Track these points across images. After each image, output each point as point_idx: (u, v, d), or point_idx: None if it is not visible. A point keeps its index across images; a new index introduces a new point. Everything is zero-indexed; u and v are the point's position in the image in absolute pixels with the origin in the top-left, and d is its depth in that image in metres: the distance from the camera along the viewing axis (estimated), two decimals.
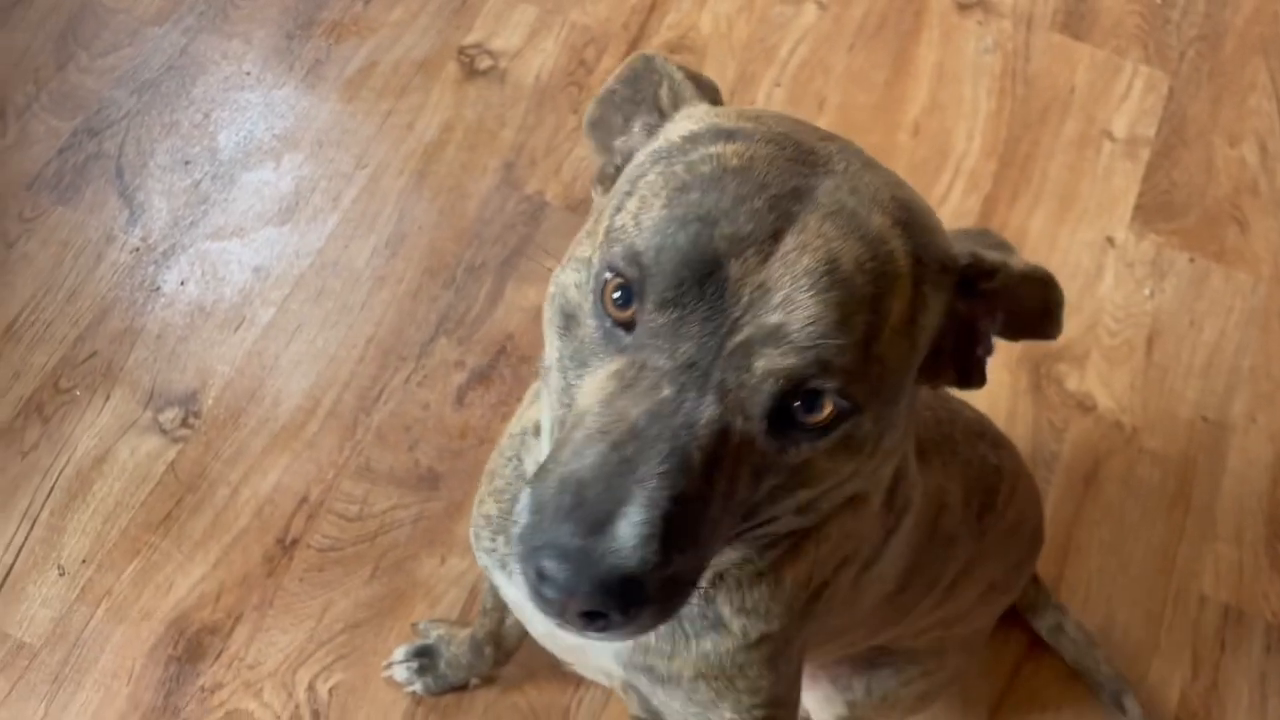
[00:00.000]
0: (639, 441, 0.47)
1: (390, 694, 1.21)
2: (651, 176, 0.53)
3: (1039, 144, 1.64)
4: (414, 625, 1.23)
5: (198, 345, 1.40)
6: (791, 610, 0.68)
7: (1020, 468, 0.98)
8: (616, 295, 0.51)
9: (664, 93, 0.61)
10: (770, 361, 0.48)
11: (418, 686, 1.20)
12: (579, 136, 1.60)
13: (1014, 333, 0.61)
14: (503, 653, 1.15)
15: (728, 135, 0.54)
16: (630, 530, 0.46)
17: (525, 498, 0.49)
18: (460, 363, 1.42)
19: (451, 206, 1.53)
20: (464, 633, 1.17)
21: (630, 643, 0.70)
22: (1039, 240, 1.56)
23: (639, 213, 0.52)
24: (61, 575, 1.25)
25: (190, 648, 1.22)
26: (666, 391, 0.48)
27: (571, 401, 0.53)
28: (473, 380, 1.41)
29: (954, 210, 1.57)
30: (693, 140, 0.54)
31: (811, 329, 0.48)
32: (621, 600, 0.46)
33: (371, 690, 1.21)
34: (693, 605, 0.66)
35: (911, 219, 0.53)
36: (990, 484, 0.90)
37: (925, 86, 1.68)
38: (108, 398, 1.35)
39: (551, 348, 0.56)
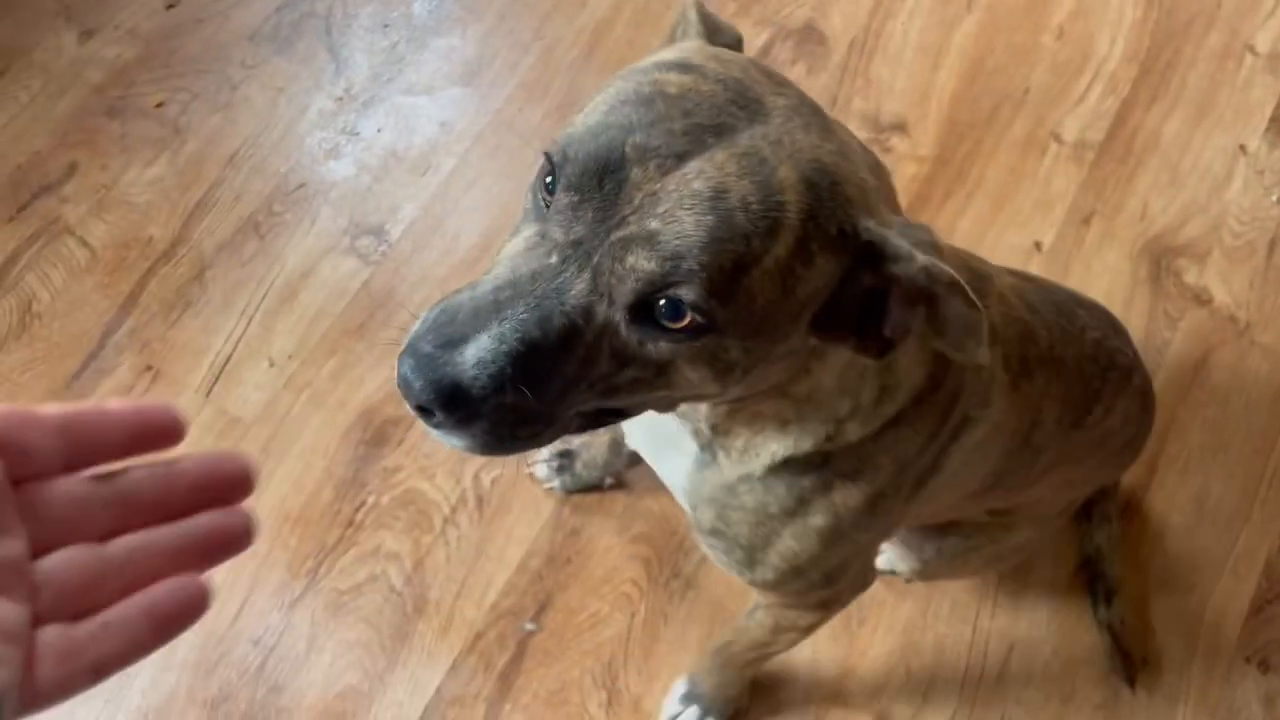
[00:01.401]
0: (514, 291, 0.54)
1: (543, 489, 1.39)
2: (611, 88, 0.58)
3: (1181, 53, 1.70)
4: None
5: (390, 185, 1.58)
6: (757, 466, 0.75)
7: (1125, 389, 0.99)
8: (548, 178, 0.57)
9: (678, 29, 0.67)
10: (638, 260, 0.53)
11: (555, 484, 1.36)
12: (737, 21, 1.71)
13: (943, 338, 0.61)
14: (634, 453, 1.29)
15: (683, 67, 0.58)
16: (473, 352, 0.53)
17: (425, 313, 0.58)
18: None
19: None
20: (604, 435, 1.32)
21: (690, 479, 0.81)
22: (1172, 143, 1.62)
23: (588, 115, 0.57)
24: (271, 366, 1.46)
25: (377, 435, 1.42)
26: (553, 259, 0.55)
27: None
28: None
29: (1091, 111, 1.65)
30: (656, 65, 0.59)
31: (678, 242, 0.53)
32: (446, 403, 0.54)
33: (527, 485, 1.39)
34: (700, 440, 0.76)
35: (823, 182, 0.56)
36: (1086, 405, 0.93)
37: None
38: (313, 223, 1.55)
39: None
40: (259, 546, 1.34)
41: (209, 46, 1.67)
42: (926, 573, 1.22)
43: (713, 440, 0.77)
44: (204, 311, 1.49)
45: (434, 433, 0.57)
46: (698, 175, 0.53)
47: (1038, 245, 1.55)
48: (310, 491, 1.38)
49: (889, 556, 1.31)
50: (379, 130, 1.62)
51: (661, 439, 0.83)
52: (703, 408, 0.73)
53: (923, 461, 0.79)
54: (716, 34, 0.66)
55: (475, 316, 0.54)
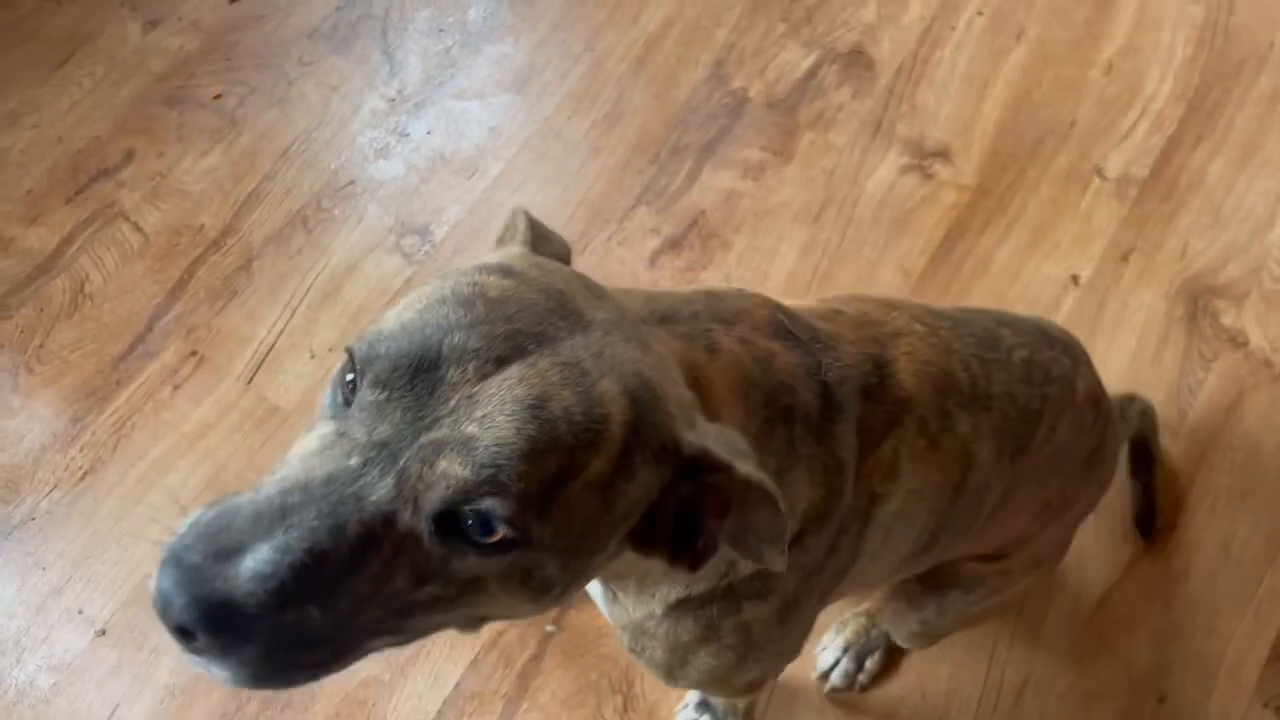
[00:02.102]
0: (305, 495, 0.48)
1: None
2: (427, 288, 0.56)
3: (1230, 94, 1.70)
4: None
5: (436, 186, 1.61)
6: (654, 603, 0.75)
7: (1072, 401, 0.93)
8: (349, 376, 0.53)
9: (506, 233, 0.66)
10: (451, 465, 0.49)
11: None
12: (786, 42, 1.74)
13: (740, 547, 0.60)
14: None
15: (505, 272, 0.56)
16: (251, 565, 0.46)
17: (191, 515, 0.51)
18: (656, 230, 1.59)
19: (664, 93, 1.70)
20: None
21: (604, 606, 0.80)
22: (1215, 184, 1.62)
23: (400, 312, 0.54)
24: (312, 358, 1.49)
25: None
26: (353, 461, 0.50)
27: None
28: (665, 246, 1.58)
29: (1136, 148, 1.65)
30: (477, 268, 0.56)
31: (496, 450, 0.49)
32: (213, 625, 0.46)
33: None
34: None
35: (646, 396, 0.54)
36: (1027, 428, 0.87)
37: (1124, 28, 1.75)
38: (360, 220, 1.58)
39: None
40: None
41: (269, 42, 1.71)
42: (925, 634, 1.19)
43: (606, 579, 0.75)
44: (250, 301, 1.52)
45: (193, 660, 0.49)
46: (519, 381, 0.50)
47: (1075, 279, 1.55)
48: None
49: (841, 670, 1.30)
50: (429, 132, 1.66)
51: None
52: None
53: (836, 560, 0.77)
54: (544, 242, 0.65)
55: (255, 523, 0.48)
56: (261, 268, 1.55)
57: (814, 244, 1.58)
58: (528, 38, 1.74)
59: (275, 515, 0.48)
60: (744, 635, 0.76)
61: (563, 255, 0.66)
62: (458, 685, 1.30)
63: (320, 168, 1.62)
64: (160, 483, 1.41)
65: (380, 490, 0.49)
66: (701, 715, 1.25)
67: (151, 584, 0.48)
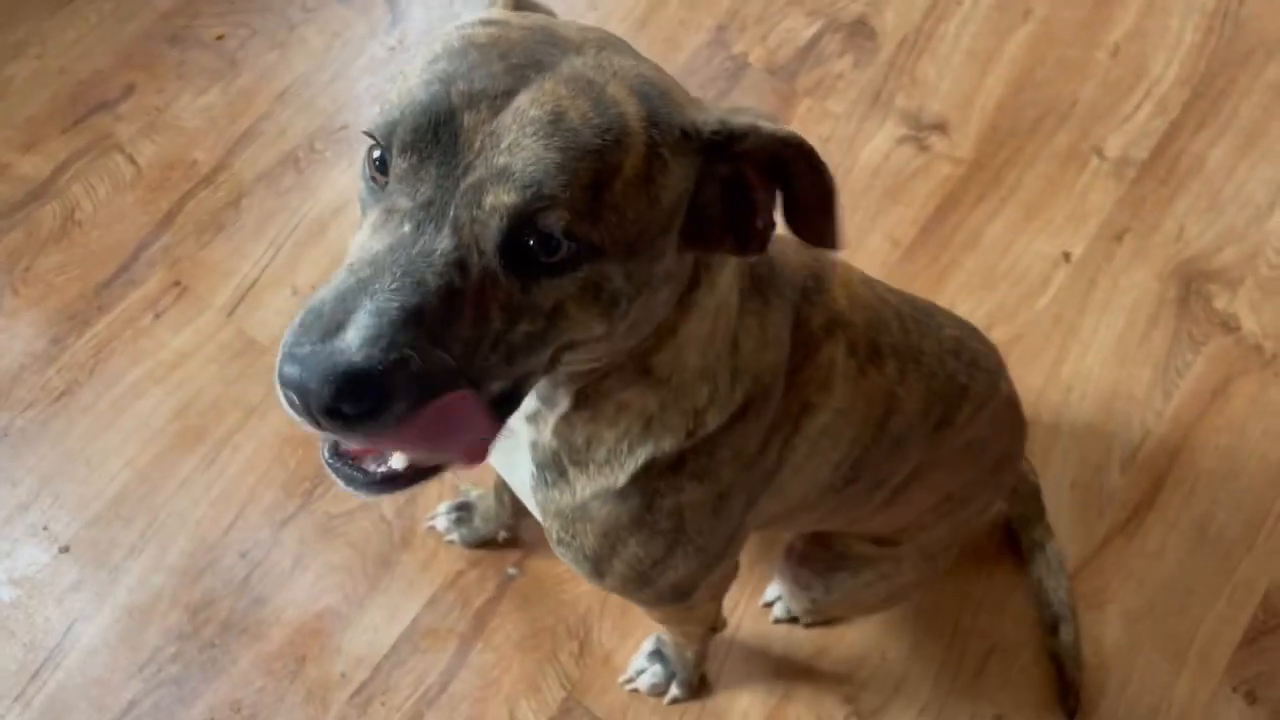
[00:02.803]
0: (375, 267, 0.51)
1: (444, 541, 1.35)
2: (420, 53, 0.58)
3: (1235, 82, 1.67)
4: (457, 486, 1.35)
5: None
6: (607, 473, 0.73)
7: (996, 394, 0.96)
8: (376, 156, 0.56)
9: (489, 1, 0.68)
10: (496, 198, 0.52)
11: (455, 536, 1.32)
12: (790, 10, 1.74)
13: (797, 216, 0.62)
14: (514, 498, 1.23)
15: (486, 22, 0.59)
16: (356, 332, 0.49)
17: (287, 332, 0.53)
18: None
19: (664, 55, 1.69)
20: (492, 490, 1.29)
21: (535, 494, 0.78)
22: (1215, 170, 1.60)
23: (401, 85, 0.56)
24: (294, 294, 1.49)
25: None
26: (406, 228, 0.52)
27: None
28: None
29: (1137, 130, 1.63)
30: (459, 25, 0.59)
31: (532, 169, 0.51)
32: (351, 394, 0.49)
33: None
34: (553, 454, 0.74)
35: (653, 92, 0.57)
36: (953, 401, 0.90)
37: (1133, 13, 1.73)
38: (351, 163, 1.59)
39: None
40: (258, 464, 1.38)
41: None
42: (818, 611, 1.23)
43: (565, 458, 0.74)
44: (236, 236, 1.53)
45: (352, 437, 0.51)
46: (532, 104, 0.53)
47: (1066, 256, 1.53)
48: None
49: (783, 604, 1.30)
50: None
51: (508, 449, 0.79)
52: (553, 419, 0.71)
53: (767, 458, 0.78)
54: (529, 6, 0.66)
55: (341, 303, 0.50)
56: (250, 205, 1.55)
57: None
58: None
59: (356, 290, 0.50)
60: (676, 520, 0.76)
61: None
62: (414, 621, 1.30)
63: (316, 111, 1.63)
64: (133, 408, 1.41)
65: (441, 243, 0.52)
66: (654, 664, 1.24)
67: (279, 393, 0.51)
